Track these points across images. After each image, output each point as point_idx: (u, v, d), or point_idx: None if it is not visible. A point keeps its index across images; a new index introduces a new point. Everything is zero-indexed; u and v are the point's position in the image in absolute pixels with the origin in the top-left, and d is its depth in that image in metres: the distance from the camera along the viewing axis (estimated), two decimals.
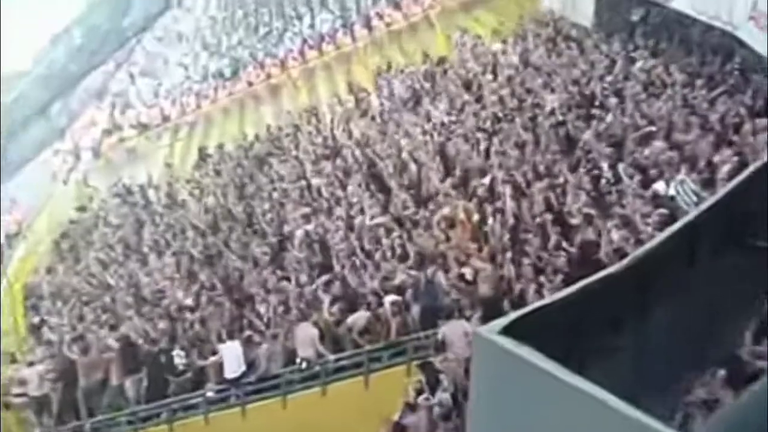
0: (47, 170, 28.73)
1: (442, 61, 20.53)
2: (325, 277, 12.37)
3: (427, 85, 18.71)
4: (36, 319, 16.72)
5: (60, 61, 43.34)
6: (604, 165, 11.15)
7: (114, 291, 15.92)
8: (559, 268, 9.87)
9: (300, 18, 33.20)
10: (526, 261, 10.35)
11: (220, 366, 11.78)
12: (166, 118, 30.61)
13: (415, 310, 11.05)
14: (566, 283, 8.83)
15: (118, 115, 32.36)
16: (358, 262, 12.28)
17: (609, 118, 12.47)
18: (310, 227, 14.06)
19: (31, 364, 13.60)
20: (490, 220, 11.66)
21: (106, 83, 36.44)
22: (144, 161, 27.63)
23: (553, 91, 14.73)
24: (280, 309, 12.24)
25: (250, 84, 30.13)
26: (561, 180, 11.59)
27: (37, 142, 32.41)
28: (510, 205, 11.59)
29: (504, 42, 19.55)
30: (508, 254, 10.75)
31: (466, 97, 16.71)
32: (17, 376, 13.15)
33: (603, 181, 11.02)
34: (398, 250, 12.09)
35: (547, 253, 10.30)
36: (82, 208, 22.82)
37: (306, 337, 11.30)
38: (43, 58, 43.14)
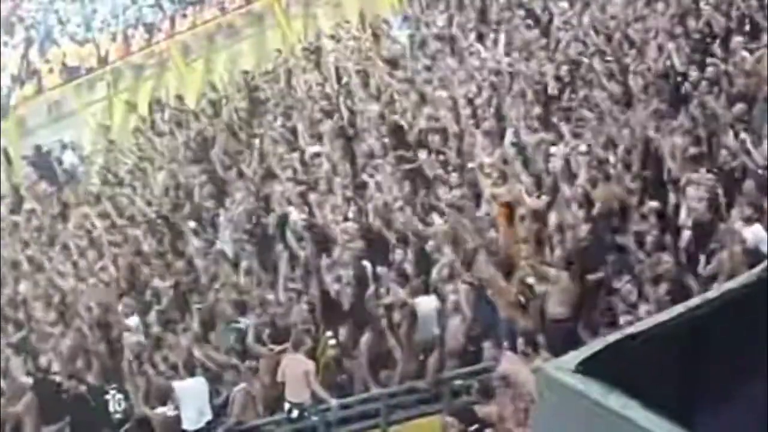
0: None
1: None
2: (324, 284, 12.43)
3: (473, 15, 18.65)
4: None
5: None
6: (728, 135, 11.14)
7: (28, 303, 16.00)
8: (662, 279, 9.87)
9: None
10: (612, 265, 10.36)
11: (175, 415, 11.83)
12: (102, 60, 30.67)
13: (454, 334, 11.07)
14: (674, 300, 8.86)
15: (34, 56, 32.46)
16: (369, 265, 12.32)
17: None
18: (302, 214, 14.10)
19: None
20: (560, 212, 11.65)
21: (15, 9, 36.55)
22: (71, 121, 27.75)
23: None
24: (264, 331, 12.29)
25: (222, 10, 30.15)
26: (666, 154, 11.56)
27: None
28: (587, 188, 11.59)
29: None
30: (587, 258, 10.76)
31: (528, 32, 16.68)
32: None
33: (725, 155, 10.99)
34: (429, 249, 12.11)
35: (645, 256, 10.31)
36: None
37: (298, 372, 11.34)
38: None
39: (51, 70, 30.93)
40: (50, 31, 34.09)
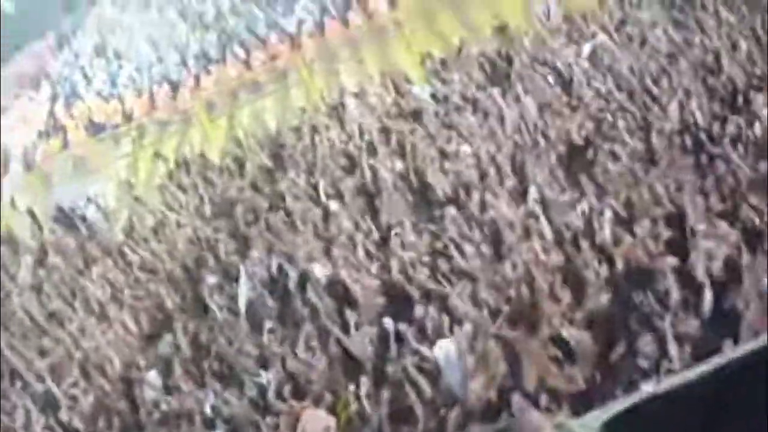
0: None
1: (504, 29, 20.70)
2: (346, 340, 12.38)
3: (500, 66, 18.72)
4: None
5: None
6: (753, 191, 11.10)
7: (50, 358, 16.01)
8: (688, 337, 9.80)
9: None
10: (634, 323, 10.28)
11: None
12: (127, 116, 30.91)
13: (476, 390, 10.97)
14: (698, 359, 8.78)
15: (60, 111, 32.72)
16: (391, 321, 12.27)
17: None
18: (326, 269, 14.10)
19: None
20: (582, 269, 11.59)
21: (43, 65, 36.95)
22: (95, 176, 27.91)
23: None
24: (285, 387, 12.24)
25: (247, 68, 30.36)
26: (688, 211, 11.53)
27: None
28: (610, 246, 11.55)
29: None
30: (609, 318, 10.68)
31: (551, 89, 16.72)
32: None
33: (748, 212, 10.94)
34: (456, 303, 12.07)
35: (669, 314, 10.24)
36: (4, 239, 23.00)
37: (318, 428, 11.26)
38: None
39: (77, 126, 31.20)
40: (76, 87, 34.38)
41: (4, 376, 16.11)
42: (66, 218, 23.25)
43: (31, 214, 24.52)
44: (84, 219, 23.10)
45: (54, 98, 34.02)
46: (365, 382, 11.63)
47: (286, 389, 12.21)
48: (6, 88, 37.21)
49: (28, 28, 41.24)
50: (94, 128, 30.75)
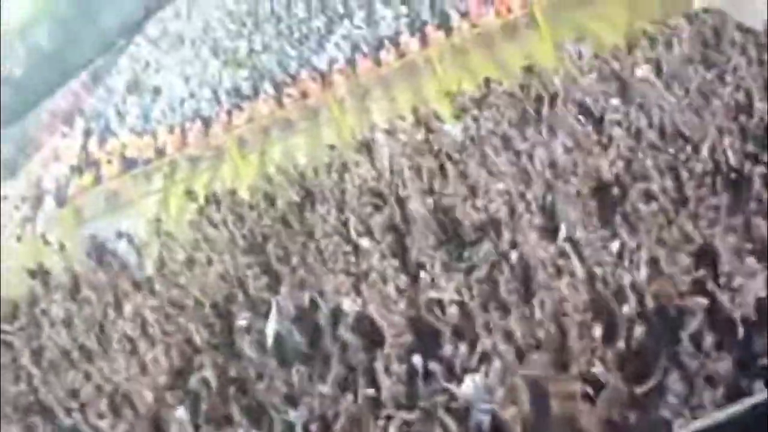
0: None
1: (533, 68, 20.78)
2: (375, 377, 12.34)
3: (531, 104, 18.74)
4: None
5: (14, 71, 44.68)
6: None
7: (80, 392, 16.05)
8: (719, 377, 9.72)
9: (350, 15, 33.62)
10: (664, 362, 10.20)
11: None
12: (160, 152, 31.10)
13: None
14: (729, 399, 8.72)
15: (93, 147, 32.96)
16: (419, 361, 12.24)
17: None
18: (355, 305, 14.10)
19: None
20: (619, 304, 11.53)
21: (77, 102, 37.30)
22: (127, 211, 28.07)
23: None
24: (313, 426, 12.21)
25: (279, 105, 30.50)
26: (721, 250, 11.46)
27: None
28: (639, 280, 11.49)
29: (635, 45, 19.71)
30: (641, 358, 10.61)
31: (581, 125, 16.71)
32: None
33: None
34: (484, 342, 12.03)
35: (702, 357, 10.17)
36: (34, 273, 23.09)
37: None
38: None
39: (109, 161, 31.45)
40: (109, 123, 34.67)
41: (32, 410, 16.17)
42: (97, 253, 23.39)
43: (63, 248, 24.70)
44: (115, 254, 23.22)
45: (88, 134, 34.31)
46: (393, 421, 11.60)
47: (314, 427, 12.20)
48: (40, 125, 37.60)
49: (63, 66, 41.72)
50: (127, 164, 30.98)
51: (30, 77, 42.39)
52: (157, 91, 36.06)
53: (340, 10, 34.26)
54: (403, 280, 14.39)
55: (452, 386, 11.65)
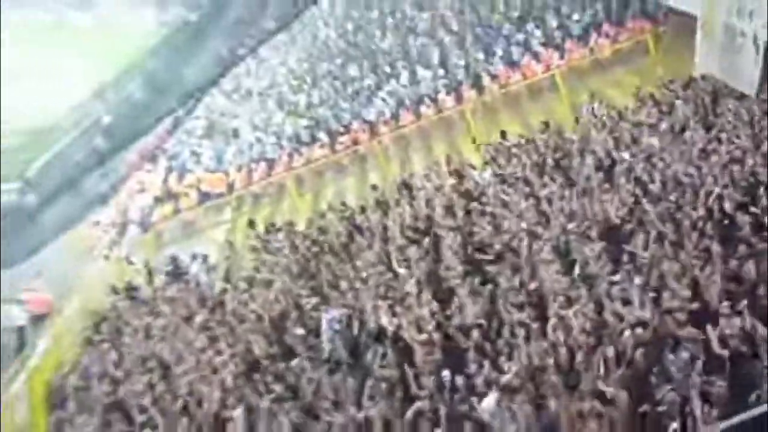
0: (84, 243, 29.51)
1: (551, 123, 20.72)
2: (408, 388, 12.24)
3: (549, 160, 18.66)
4: (57, 422, 17.02)
5: (108, 116, 45.21)
6: None
7: (153, 393, 16.05)
8: (711, 396, 9.59)
9: (396, 75, 33.72)
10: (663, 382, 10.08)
11: None
12: (230, 188, 31.25)
13: None
14: (721, 416, 8.60)
15: (173, 182, 33.19)
16: (448, 376, 12.14)
17: None
18: (392, 326, 14.05)
19: None
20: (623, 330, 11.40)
21: (161, 143, 37.59)
22: (200, 237, 28.21)
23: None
24: (350, 426, 12.12)
25: (333, 150, 30.55)
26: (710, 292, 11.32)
27: (74, 209, 33.46)
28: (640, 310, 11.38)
29: (643, 106, 19.60)
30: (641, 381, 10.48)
31: (594, 173, 16.65)
32: None
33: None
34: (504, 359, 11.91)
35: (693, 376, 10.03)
36: (117, 291, 23.23)
37: None
38: (87, 111, 45.05)
39: (186, 194, 31.63)
40: (187, 162, 34.90)
41: (112, 408, 16.22)
42: (174, 272, 23.48)
43: (146, 268, 24.84)
44: (189, 273, 23.31)
45: (169, 170, 34.54)
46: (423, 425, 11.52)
47: (350, 428, 12.15)
48: (129, 162, 37.97)
49: (150, 114, 42.16)
50: (202, 197, 31.15)
51: (120, 123, 42.87)
52: (228, 135, 36.29)
53: (387, 70, 34.38)
54: (434, 304, 14.33)
55: (473, 399, 11.57)
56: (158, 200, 32.14)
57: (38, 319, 25.07)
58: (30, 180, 29.04)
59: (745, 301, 10.80)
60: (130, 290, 22.97)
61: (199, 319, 18.61)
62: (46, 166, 34.11)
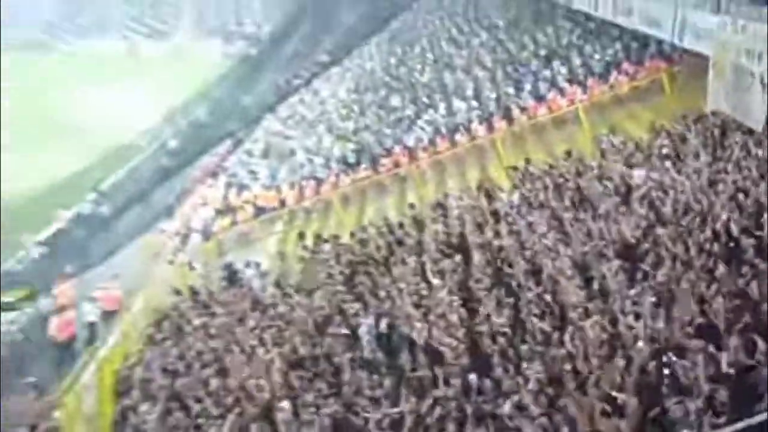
0: (151, 249, 29.81)
1: (571, 152, 20.64)
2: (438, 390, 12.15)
3: (570, 186, 18.54)
4: (123, 410, 17.11)
5: (176, 137, 45.81)
6: None
7: (208, 384, 16.10)
8: (717, 403, 9.42)
9: (434, 106, 33.80)
10: (672, 390, 9.90)
11: None
12: (282, 203, 31.44)
13: None
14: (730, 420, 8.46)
15: (232, 197, 33.44)
16: (474, 379, 12.05)
17: None
18: (424, 332, 13.99)
19: None
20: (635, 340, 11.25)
21: (222, 162, 37.94)
22: (255, 247, 28.37)
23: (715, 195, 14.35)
24: (385, 421, 12.06)
25: (375, 172, 30.64)
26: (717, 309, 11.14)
27: (144, 219, 33.86)
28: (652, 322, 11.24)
29: (657, 138, 19.47)
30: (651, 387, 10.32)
31: (610, 197, 16.52)
32: None
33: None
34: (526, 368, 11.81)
35: (700, 384, 9.85)
36: (179, 292, 23.40)
37: None
38: (157, 133, 45.71)
39: (243, 208, 31.86)
40: (245, 179, 35.17)
41: (171, 398, 16.29)
42: (230, 277, 23.63)
43: (204, 273, 25.02)
44: (243, 279, 23.44)
45: (228, 186, 34.83)
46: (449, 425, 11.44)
47: (386, 422, 12.09)
48: (193, 178, 38.33)
49: (213, 135, 42.58)
50: (257, 211, 31.39)
51: (186, 143, 43.37)
52: (282, 156, 36.52)
53: (426, 101, 34.47)
54: (463, 312, 14.27)
55: (499, 401, 11.49)
56: (218, 213, 32.44)
57: (108, 315, 25.32)
58: (104, 193, 29.38)
59: (747, 317, 10.64)
60: (191, 292, 23.12)
61: (251, 320, 18.69)
62: (119, 181, 34.59)
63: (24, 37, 65.83)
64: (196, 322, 20.33)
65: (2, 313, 26.12)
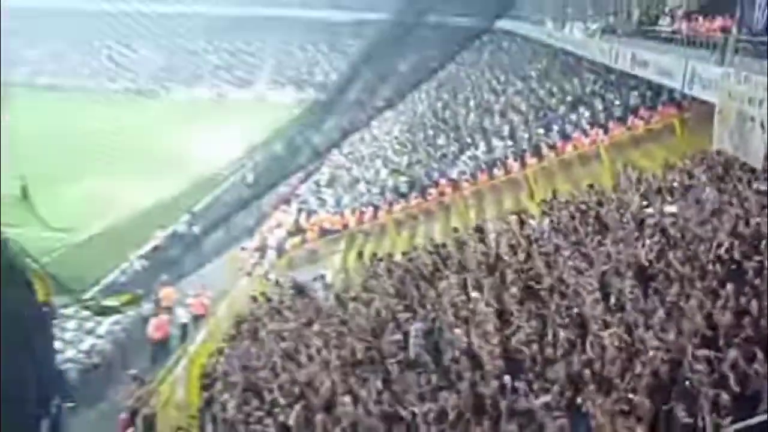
0: (234, 264, 30.10)
1: (603, 192, 20.36)
2: (476, 390, 12.02)
3: (592, 214, 18.32)
4: (207, 399, 17.26)
5: (256, 169, 46.18)
6: None
7: (278, 380, 16.15)
8: (721, 406, 9.20)
9: (475, 144, 33.81)
10: (681, 393, 9.68)
11: None
12: (345, 226, 31.59)
13: None
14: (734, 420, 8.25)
15: (302, 220, 33.69)
16: (509, 380, 11.91)
17: None
18: (465, 337, 13.89)
19: None
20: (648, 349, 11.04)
21: (294, 190, 38.33)
22: (322, 262, 28.51)
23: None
24: (431, 415, 11.94)
25: (424, 200, 30.72)
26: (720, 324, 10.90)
27: (228, 238, 34.20)
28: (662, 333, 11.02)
29: (668, 173, 19.18)
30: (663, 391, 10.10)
31: (627, 225, 16.30)
32: None
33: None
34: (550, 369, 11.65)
35: (706, 388, 9.62)
36: (256, 300, 23.63)
37: None
38: (240, 165, 46.14)
39: (311, 230, 32.04)
40: (313, 205, 35.41)
41: (247, 389, 16.36)
42: (299, 289, 23.75)
43: (278, 284, 25.19)
44: (310, 290, 23.54)
45: (299, 211, 35.08)
46: (487, 421, 11.32)
47: (431, 416, 11.98)
48: (270, 204, 38.64)
49: (286, 168, 42.76)
50: (323, 232, 31.55)
51: (264, 175, 43.66)
52: (346, 186, 36.75)
53: (468, 140, 34.49)
54: (498, 322, 14.15)
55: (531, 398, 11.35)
56: (290, 233, 32.67)
57: (198, 318, 25.66)
58: (195, 215, 29.76)
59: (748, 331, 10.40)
60: (266, 300, 23.30)
61: (316, 325, 18.74)
62: (208, 206, 34.98)
63: (137, 86, 71.53)
64: (270, 325, 20.46)
65: (108, 316, 26.54)
